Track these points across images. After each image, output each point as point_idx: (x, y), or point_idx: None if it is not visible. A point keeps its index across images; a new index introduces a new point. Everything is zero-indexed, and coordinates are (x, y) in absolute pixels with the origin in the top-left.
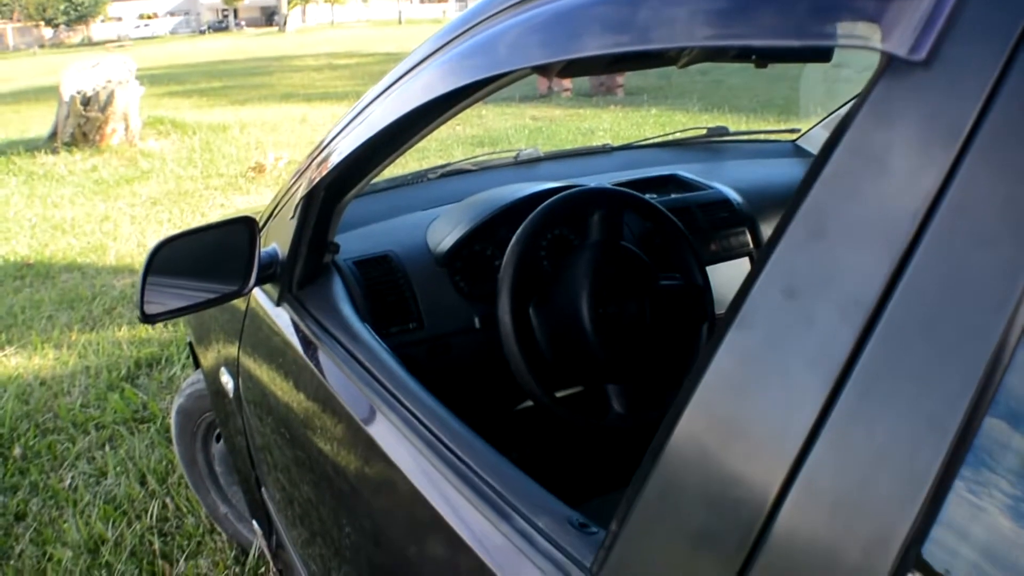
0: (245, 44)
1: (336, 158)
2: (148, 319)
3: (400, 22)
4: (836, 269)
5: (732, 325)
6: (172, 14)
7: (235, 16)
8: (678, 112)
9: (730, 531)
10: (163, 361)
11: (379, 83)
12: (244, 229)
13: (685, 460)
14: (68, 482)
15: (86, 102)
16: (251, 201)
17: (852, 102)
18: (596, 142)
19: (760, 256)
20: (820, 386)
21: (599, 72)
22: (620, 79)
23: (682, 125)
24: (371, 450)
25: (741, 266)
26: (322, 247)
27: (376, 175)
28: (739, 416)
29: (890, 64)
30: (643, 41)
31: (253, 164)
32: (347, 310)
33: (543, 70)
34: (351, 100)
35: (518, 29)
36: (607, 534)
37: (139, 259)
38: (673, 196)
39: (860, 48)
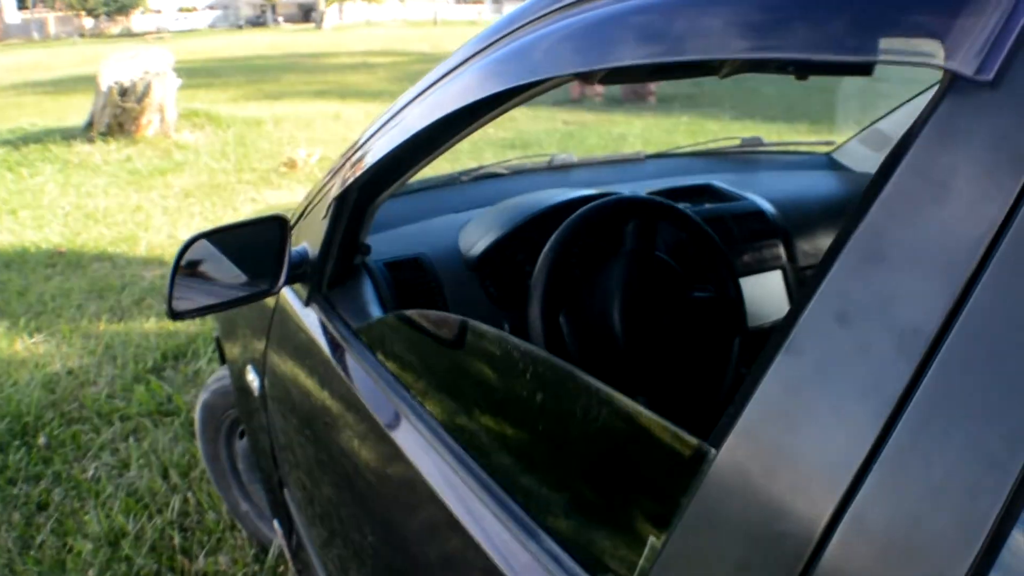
0: (282, 40)
1: (370, 159)
2: (176, 316)
3: (435, 22)
4: (893, 295)
5: (780, 350)
6: (211, 8)
7: (273, 12)
8: (709, 120)
9: (772, 567)
10: (190, 354)
11: (416, 85)
12: (275, 227)
13: (727, 490)
14: (91, 473)
15: (123, 93)
16: (282, 196)
17: (889, 116)
18: (627, 147)
19: (811, 279)
20: (874, 418)
21: (641, 80)
22: (652, 86)
23: (713, 133)
24: (394, 455)
25: (774, 279)
26: (353, 248)
27: (410, 177)
28: (786, 446)
29: (954, 83)
30: (688, 52)
31: (286, 159)
32: (376, 313)
33: (585, 77)
34: (385, 98)
35: (558, 36)
36: (640, 563)
37: (170, 250)
38: (707, 206)
39: (923, 66)
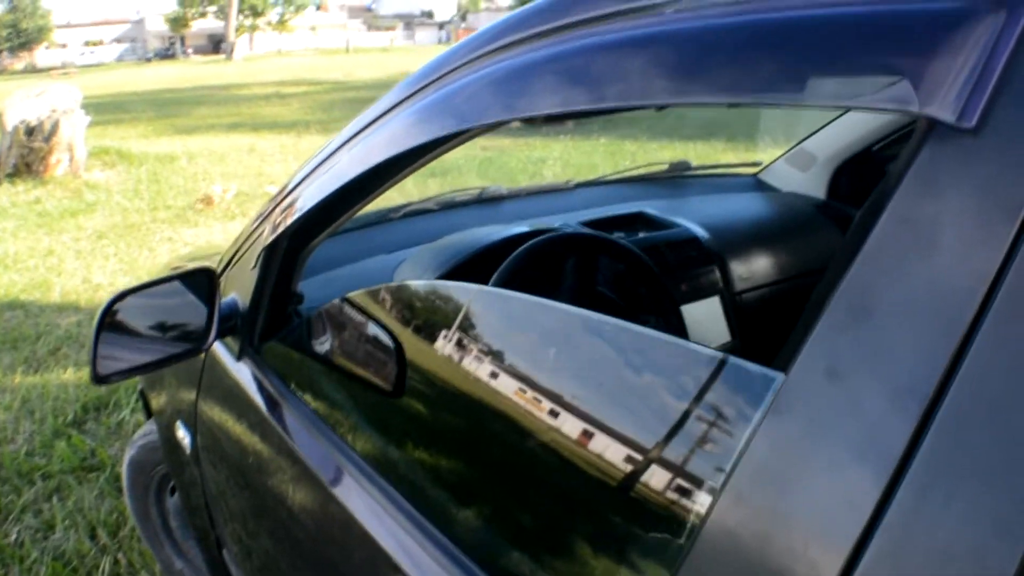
0: (192, 72)
1: (300, 206)
2: (100, 380)
3: (348, 50)
4: (885, 352)
5: (768, 410)
6: (118, 41)
7: (182, 44)
8: (627, 141)
9: None
10: (111, 405)
11: (345, 130)
12: (203, 280)
13: (717, 557)
14: (14, 537)
15: (30, 132)
16: (200, 234)
17: (815, 135)
18: (547, 172)
19: (794, 334)
20: (873, 480)
21: (580, 116)
22: None
23: (632, 154)
24: (336, 509)
25: (712, 305)
26: (286, 297)
27: (342, 224)
28: (779, 510)
29: (934, 130)
30: (628, 97)
31: (201, 196)
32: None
33: (529, 120)
34: (299, 130)
35: (488, 81)
36: None
37: (85, 296)
38: (642, 235)
39: (900, 112)
